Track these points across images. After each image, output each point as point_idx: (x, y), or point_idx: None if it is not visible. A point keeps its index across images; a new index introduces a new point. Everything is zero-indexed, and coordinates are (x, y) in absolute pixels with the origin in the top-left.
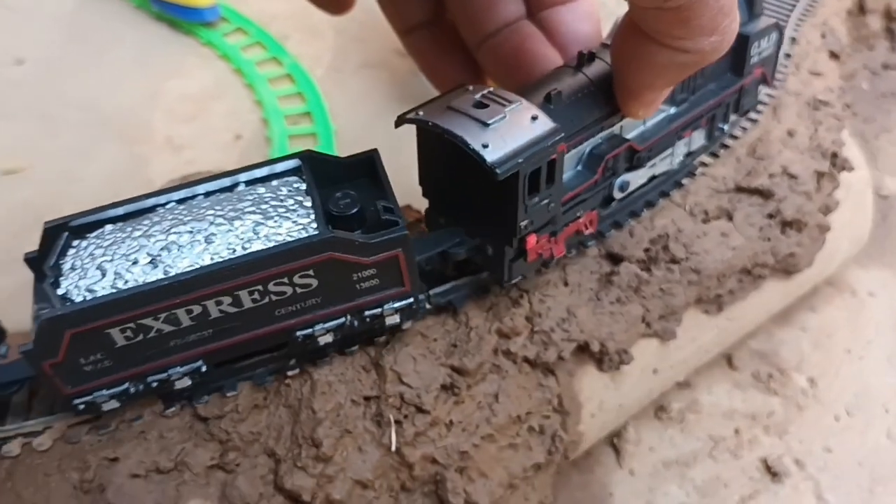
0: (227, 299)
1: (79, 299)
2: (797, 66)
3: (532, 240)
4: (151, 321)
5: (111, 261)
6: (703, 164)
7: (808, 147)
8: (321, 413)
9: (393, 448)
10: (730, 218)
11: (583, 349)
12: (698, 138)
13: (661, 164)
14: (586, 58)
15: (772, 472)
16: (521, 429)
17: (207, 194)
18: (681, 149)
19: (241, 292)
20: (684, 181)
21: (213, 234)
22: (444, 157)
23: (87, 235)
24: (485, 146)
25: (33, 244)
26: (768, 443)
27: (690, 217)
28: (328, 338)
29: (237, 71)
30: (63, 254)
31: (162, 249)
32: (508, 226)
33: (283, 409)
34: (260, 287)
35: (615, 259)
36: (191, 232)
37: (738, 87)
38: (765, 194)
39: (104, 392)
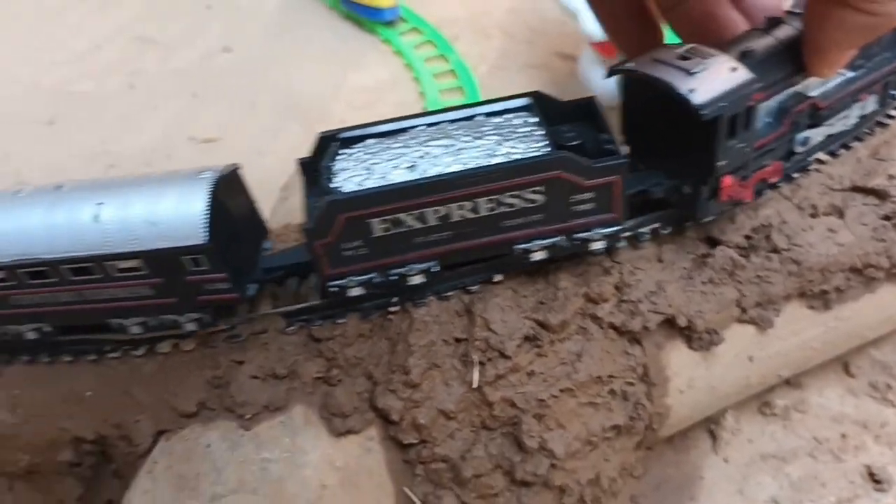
0: (467, 204)
1: (348, 190)
2: None
3: (728, 180)
4: (405, 216)
5: (376, 164)
6: (819, 162)
7: None
8: (415, 347)
9: (474, 385)
10: (840, 215)
11: (670, 323)
12: (871, 103)
13: (838, 124)
14: (775, 22)
15: (875, 480)
16: (602, 390)
17: (453, 121)
18: (856, 111)
19: (479, 200)
20: (795, 175)
21: (461, 149)
22: (648, 104)
23: (354, 146)
24: (691, 91)
25: None
26: (876, 451)
27: (797, 210)
28: (542, 254)
29: (408, 66)
30: (334, 158)
31: (419, 157)
32: (707, 165)
33: (384, 340)
34: (496, 197)
35: (713, 242)
36: (442, 146)
37: None
38: (881, 195)
39: (354, 278)
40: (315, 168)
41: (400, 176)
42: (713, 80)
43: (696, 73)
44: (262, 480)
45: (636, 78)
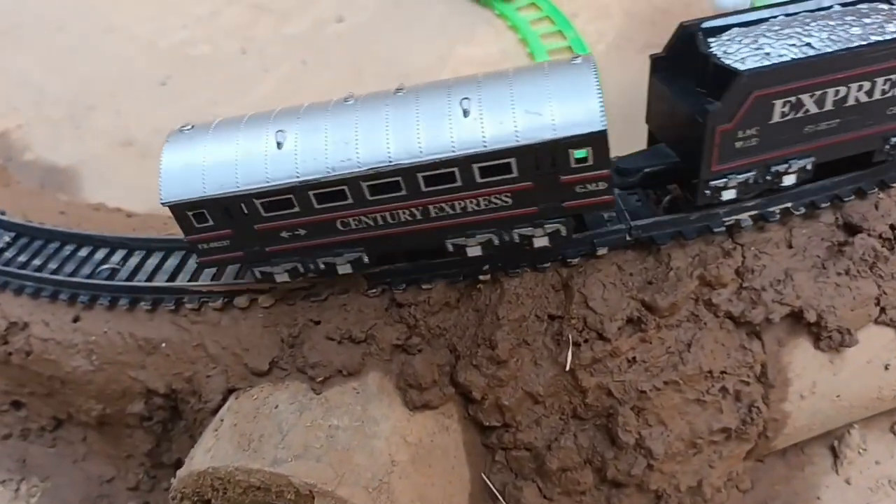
0: (865, 85)
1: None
2: None
3: None
4: (806, 97)
5: (767, 44)
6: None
7: None
8: (504, 320)
9: (567, 368)
10: None
11: (797, 317)
12: None
13: None
14: None
15: None
16: (713, 387)
17: (812, 10)
18: None
19: (878, 80)
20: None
21: (846, 29)
22: None
23: (720, 35)
24: None
25: None
26: None
27: None
28: None
29: (522, 41)
30: (707, 46)
31: (811, 36)
32: None
33: (471, 311)
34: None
35: (852, 230)
36: (823, 27)
37: None
38: None
39: (734, 177)
40: (670, 64)
41: (803, 53)
42: None
43: None
44: (329, 448)
45: None
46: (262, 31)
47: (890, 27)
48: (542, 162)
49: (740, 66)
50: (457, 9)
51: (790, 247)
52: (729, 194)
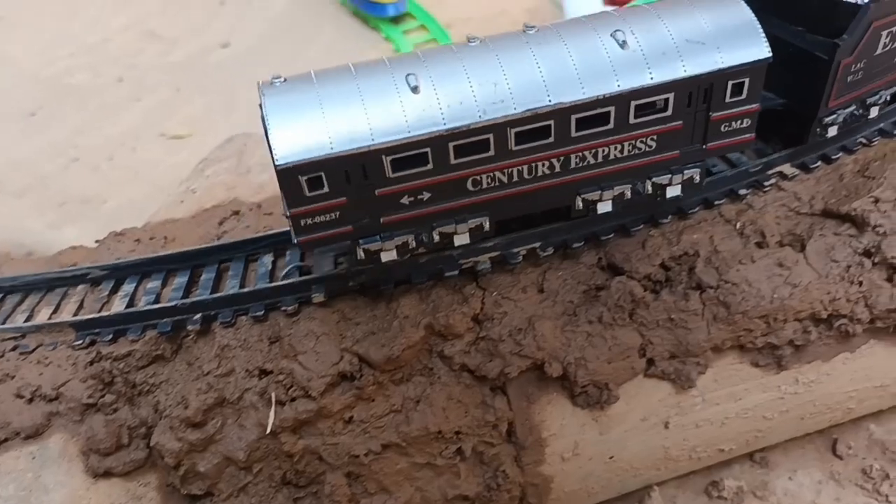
0: None
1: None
2: None
3: None
4: None
5: None
6: (783, 177)
7: None
8: (210, 376)
9: (268, 430)
10: (801, 247)
11: (538, 369)
12: None
13: None
14: None
15: None
16: (447, 449)
17: None
18: None
19: None
20: (743, 191)
21: None
22: None
23: None
24: None
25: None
26: None
27: (739, 237)
28: None
29: None
30: None
31: None
32: None
33: (184, 365)
34: None
35: (615, 271)
36: None
37: None
38: (859, 223)
39: (841, 112)
40: (761, 4)
41: None
42: None
43: None
44: None
45: None
46: (147, 58)
47: None
48: (697, 97)
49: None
50: (346, 32)
51: (541, 291)
52: (833, 131)
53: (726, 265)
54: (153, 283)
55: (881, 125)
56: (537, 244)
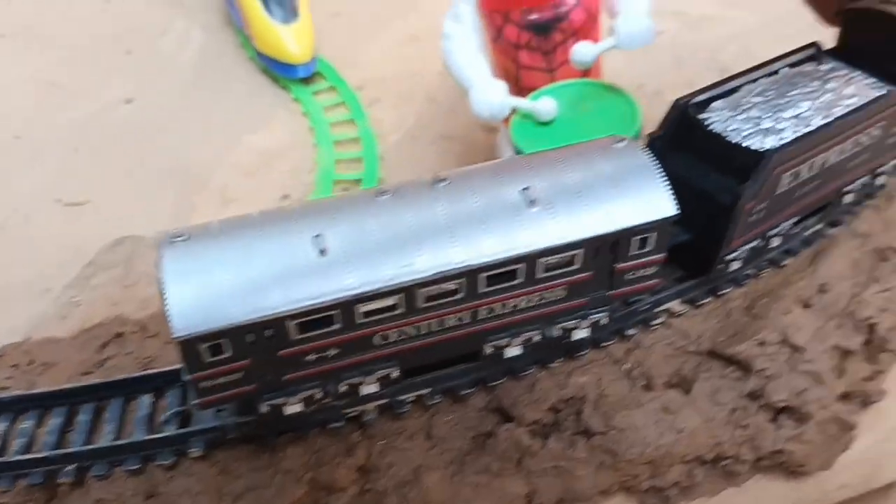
0: (837, 148)
1: (764, 147)
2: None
3: None
4: (803, 167)
5: (760, 119)
6: (671, 314)
7: (838, 312)
8: None
9: None
10: (687, 389)
11: None
12: None
13: None
14: None
15: None
16: None
17: (767, 75)
18: None
19: (848, 142)
20: (631, 331)
21: (819, 95)
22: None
23: (706, 109)
24: None
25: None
26: None
27: (626, 379)
28: (883, 179)
29: (312, 129)
30: (702, 125)
31: (796, 108)
32: None
33: None
34: (857, 137)
35: (506, 416)
36: (802, 94)
37: None
38: (745, 366)
39: (742, 249)
40: (669, 143)
41: (798, 126)
42: None
43: None
44: None
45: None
46: (46, 114)
47: (850, 90)
48: (603, 251)
49: (757, 146)
50: (255, 90)
51: (429, 437)
52: (736, 265)
53: (613, 410)
54: (27, 424)
55: (771, 255)
56: (426, 391)
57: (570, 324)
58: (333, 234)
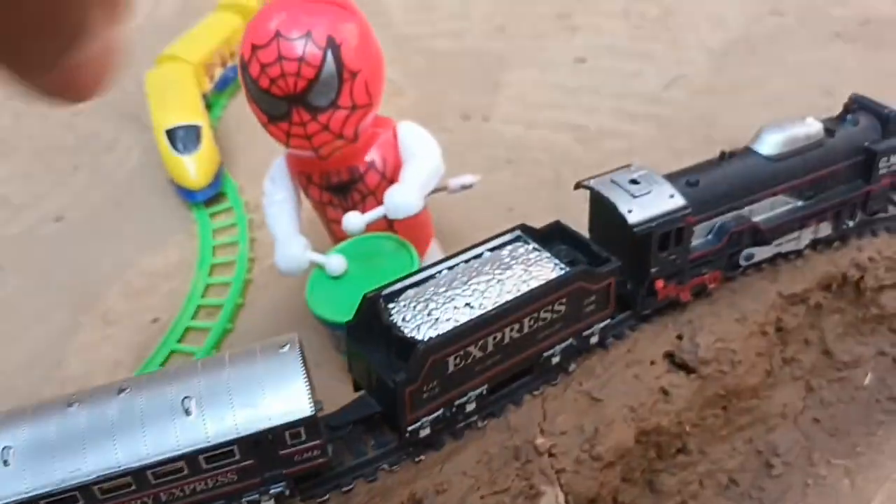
0: (517, 326)
1: (425, 337)
2: None
3: (660, 283)
4: (473, 348)
5: (435, 309)
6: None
7: None
8: None
9: None
10: None
11: None
12: (825, 228)
13: (787, 245)
14: (724, 155)
15: None
16: None
17: (467, 260)
18: (807, 235)
19: (525, 320)
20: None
21: (500, 280)
22: (605, 213)
23: (397, 299)
24: (629, 211)
25: None
26: None
27: None
28: (558, 357)
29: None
30: (389, 314)
31: (469, 295)
32: (643, 270)
33: None
34: (536, 314)
35: None
36: (483, 281)
37: (865, 191)
38: None
39: (427, 419)
40: (363, 329)
41: (464, 314)
42: (651, 203)
43: (638, 196)
44: None
45: (594, 195)
46: None
47: (531, 273)
48: (262, 443)
49: (417, 336)
50: (166, 211)
51: None
52: (425, 432)
53: None
54: None
55: (472, 418)
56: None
57: (254, 497)
58: (18, 444)
